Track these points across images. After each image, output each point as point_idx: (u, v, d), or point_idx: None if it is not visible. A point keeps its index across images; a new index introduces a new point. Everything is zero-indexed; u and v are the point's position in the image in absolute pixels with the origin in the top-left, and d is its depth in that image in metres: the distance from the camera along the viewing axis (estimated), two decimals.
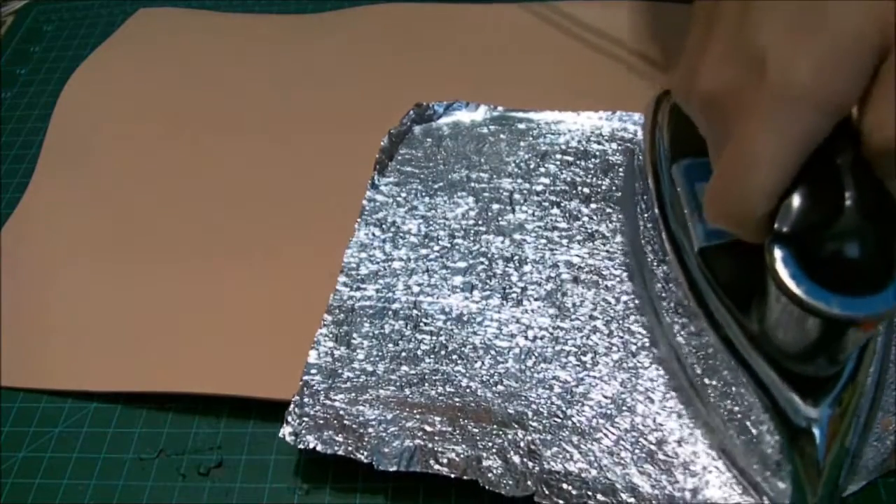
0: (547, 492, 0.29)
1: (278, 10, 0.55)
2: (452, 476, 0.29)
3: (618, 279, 0.35)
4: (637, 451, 0.30)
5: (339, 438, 0.30)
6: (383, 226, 0.39)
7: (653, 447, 0.30)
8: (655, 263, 0.34)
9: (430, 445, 0.30)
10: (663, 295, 0.33)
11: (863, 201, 0.23)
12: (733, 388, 0.29)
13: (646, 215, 0.35)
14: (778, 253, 0.24)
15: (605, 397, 0.32)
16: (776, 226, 0.24)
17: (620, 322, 0.34)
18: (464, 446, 0.30)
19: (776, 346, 0.27)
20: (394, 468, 0.29)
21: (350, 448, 0.30)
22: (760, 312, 0.27)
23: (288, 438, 0.30)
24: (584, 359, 0.33)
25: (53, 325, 0.37)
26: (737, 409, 0.29)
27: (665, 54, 0.47)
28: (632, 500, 0.28)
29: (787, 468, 0.27)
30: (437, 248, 0.37)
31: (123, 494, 0.32)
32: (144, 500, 0.31)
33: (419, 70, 0.48)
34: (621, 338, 0.33)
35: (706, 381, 0.30)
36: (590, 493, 0.29)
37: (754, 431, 0.28)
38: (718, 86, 0.25)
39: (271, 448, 0.32)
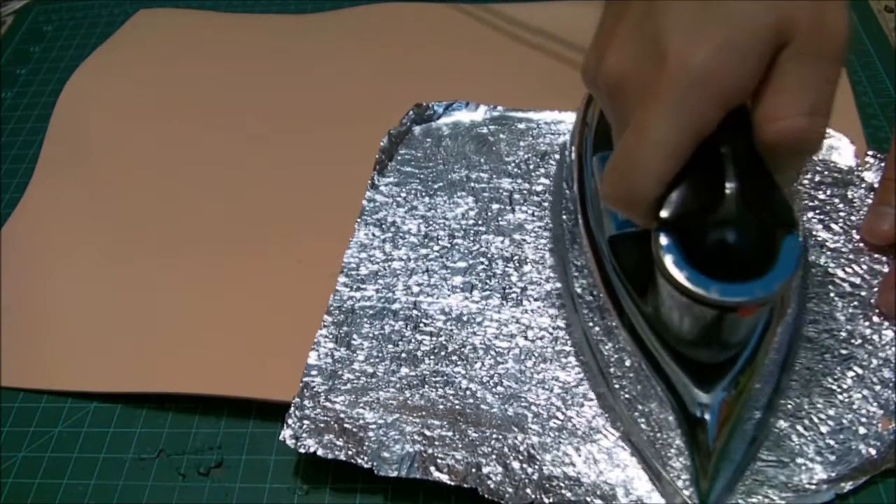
0: (546, 501, 0.29)
1: (278, 10, 0.55)
2: (452, 484, 0.29)
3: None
4: (637, 451, 0.30)
5: (340, 442, 0.30)
6: (383, 226, 0.39)
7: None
8: (574, 256, 0.34)
9: (429, 451, 0.30)
10: (578, 289, 0.33)
11: (744, 191, 0.24)
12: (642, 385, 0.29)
13: (570, 208, 0.36)
14: (663, 240, 0.24)
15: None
16: (661, 213, 0.24)
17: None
18: (463, 452, 0.30)
19: (672, 334, 0.28)
20: (394, 474, 0.29)
21: (350, 452, 0.30)
22: (654, 300, 0.28)
23: (288, 442, 0.30)
24: (583, 358, 0.33)
25: (53, 325, 0.37)
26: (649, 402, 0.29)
27: None
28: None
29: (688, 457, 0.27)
30: (436, 248, 0.37)
31: (123, 494, 0.32)
32: (144, 500, 0.32)
33: (419, 70, 0.48)
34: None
35: (615, 371, 0.31)
36: (588, 498, 0.29)
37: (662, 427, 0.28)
38: (622, 69, 0.26)
39: (271, 448, 0.32)
